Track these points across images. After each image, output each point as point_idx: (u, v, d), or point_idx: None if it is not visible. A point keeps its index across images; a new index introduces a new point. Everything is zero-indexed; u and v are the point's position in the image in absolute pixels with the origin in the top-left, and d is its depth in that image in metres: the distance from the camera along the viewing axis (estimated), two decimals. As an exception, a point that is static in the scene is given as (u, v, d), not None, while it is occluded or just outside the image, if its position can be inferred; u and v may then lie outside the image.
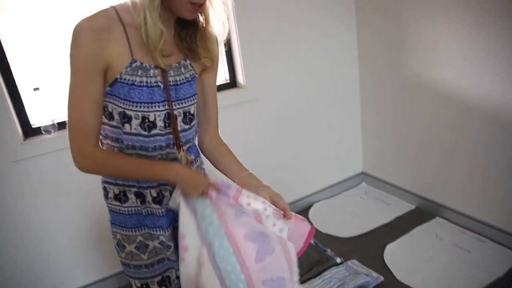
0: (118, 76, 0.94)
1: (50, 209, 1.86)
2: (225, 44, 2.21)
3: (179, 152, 1.04)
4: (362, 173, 2.83)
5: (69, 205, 1.90)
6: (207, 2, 0.98)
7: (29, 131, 1.81)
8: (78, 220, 1.95)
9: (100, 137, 1.02)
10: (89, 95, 0.93)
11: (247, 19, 2.12)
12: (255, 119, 2.31)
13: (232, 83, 2.28)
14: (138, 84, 0.95)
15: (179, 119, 1.03)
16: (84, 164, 0.98)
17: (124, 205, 1.08)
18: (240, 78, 2.24)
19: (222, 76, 2.26)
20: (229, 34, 2.25)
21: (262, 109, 2.31)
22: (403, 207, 2.48)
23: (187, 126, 1.06)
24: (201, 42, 1.04)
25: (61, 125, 1.83)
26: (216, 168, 1.17)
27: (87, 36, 0.89)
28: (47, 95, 1.81)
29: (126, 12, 0.93)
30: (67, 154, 1.83)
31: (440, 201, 2.32)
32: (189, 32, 1.04)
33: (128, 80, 0.94)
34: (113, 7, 0.94)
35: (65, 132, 1.82)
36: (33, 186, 1.80)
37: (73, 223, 1.94)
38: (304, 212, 2.57)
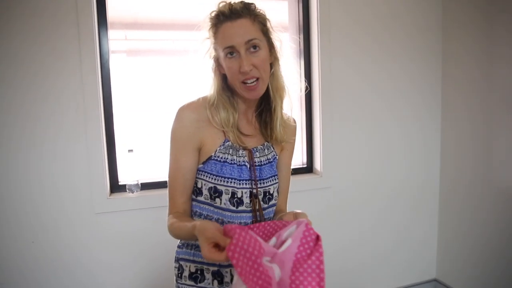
0: (213, 154, 1.04)
1: (118, 265, 1.93)
2: (306, 130, 2.26)
3: None
4: (435, 280, 2.58)
5: (136, 266, 1.96)
6: (272, 90, 1.04)
7: (115, 187, 1.97)
8: (143, 283, 1.97)
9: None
10: (181, 168, 1.04)
11: (331, 111, 2.19)
12: (326, 207, 2.28)
13: (309, 168, 2.30)
14: (230, 162, 1.04)
15: (259, 198, 1.07)
16: (168, 228, 1.03)
17: (199, 284, 1.08)
18: (317, 164, 2.26)
19: (299, 160, 2.30)
20: (312, 120, 2.30)
21: (335, 197, 2.28)
22: (482, 328, 2.19)
23: (265, 205, 1.09)
24: (272, 124, 1.10)
25: (144, 186, 1.97)
26: None
27: (188, 117, 1.03)
28: (138, 157, 2.00)
29: None
30: (144, 215, 1.96)
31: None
32: (266, 115, 1.10)
33: (221, 158, 1.04)
34: (210, 95, 1.07)
35: (146, 193, 1.97)
36: (109, 239, 1.90)
37: (135, 285, 1.97)
38: (366, 313, 2.38)
